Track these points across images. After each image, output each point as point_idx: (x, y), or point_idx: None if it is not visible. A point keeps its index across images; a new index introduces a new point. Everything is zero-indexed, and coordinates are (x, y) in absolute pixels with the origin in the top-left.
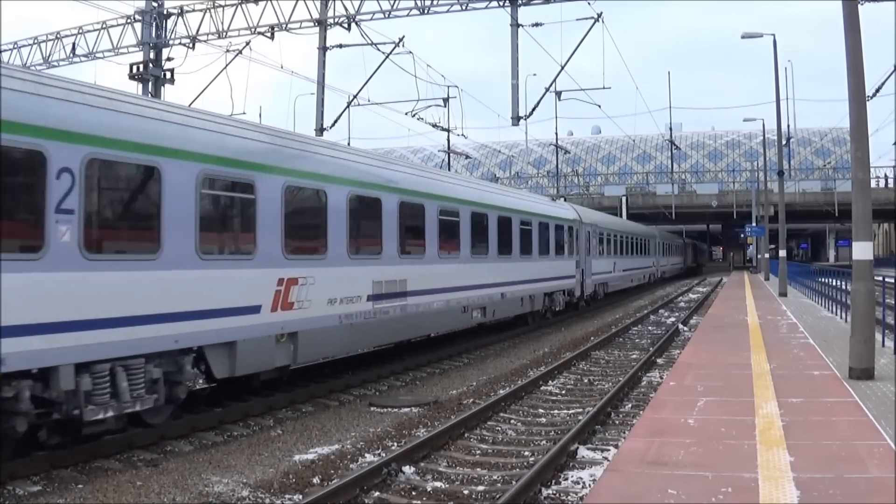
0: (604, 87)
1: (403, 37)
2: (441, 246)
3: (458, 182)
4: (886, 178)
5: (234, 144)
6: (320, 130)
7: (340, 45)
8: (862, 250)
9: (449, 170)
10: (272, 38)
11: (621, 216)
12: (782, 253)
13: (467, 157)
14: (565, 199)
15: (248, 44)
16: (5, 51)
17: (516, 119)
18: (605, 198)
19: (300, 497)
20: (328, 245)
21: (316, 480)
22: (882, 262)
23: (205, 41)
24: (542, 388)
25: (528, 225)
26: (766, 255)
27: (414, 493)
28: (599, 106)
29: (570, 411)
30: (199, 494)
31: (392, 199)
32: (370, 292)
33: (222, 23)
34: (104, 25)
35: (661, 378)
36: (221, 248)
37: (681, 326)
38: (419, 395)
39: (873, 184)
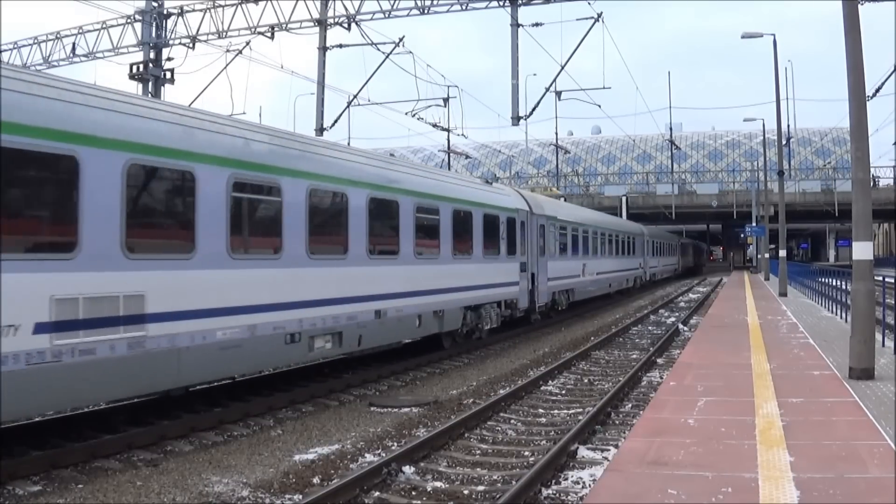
0: (604, 87)
1: (403, 37)
2: (235, 241)
3: (281, 141)
4: (877, 178)
5: None
6: (320, 130)
7: (340, 45)
8: (862, 250)
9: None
10: (272, 38)
11: (621, 216)
12: (782, 253)
13: (467, 157)
14: (565, 199)
15: (248, 44)
16: (5, 51)
17: (516, 119)
18: (606, 198)
19: (300, 497)
20: None
21: (316, 480)
22: (882, 262)
23: (205, 41)
24: (542, 387)
25: (432, 213)
26: (766, 255)
27: (414, 493)
28: (599, 106)
29: (570, 411)
30: (199, 494)
31: (109, 162)
32: (45, 318)
33: (222, 23)
34: (104, 25)
35: (662, 378)
36: None
37: (681, 326)
38: (419, 395)
39: (873, 184)
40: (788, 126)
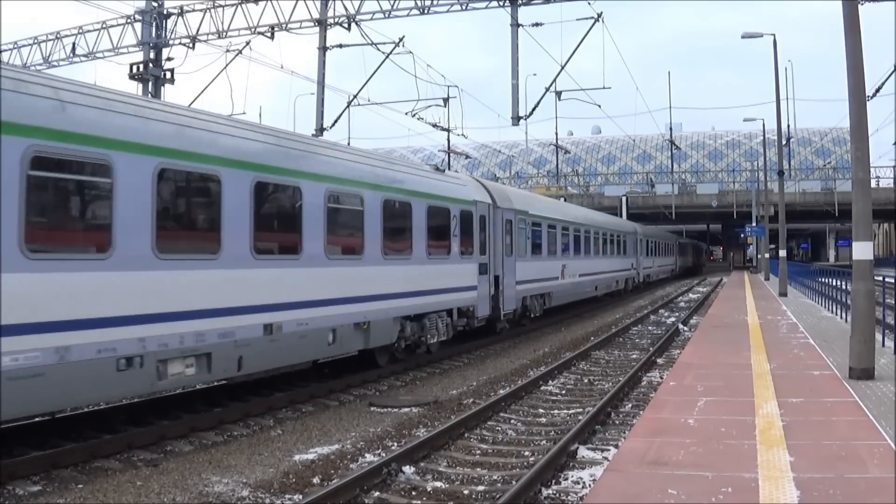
0: (604, 87)
1: (403, 37)
2: (34, 235)
3: (112, 105)
4: (878, 179)
5: None
6: (320, 130)
7: (340, 45)
8: (862, 250)
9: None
10: (272, 38)
11: (621, 216)
12: (782, 253)
13: (467, 156)
14: (565, 199)
15: (248, 44)
16: (5, 51)
17: (516, 119)
18: (606, 198)
19: (300, 497)
20: None
21: (316, 480)
22: (882, 262)
23: (205, 41)
24: (542, 387)
25: (351, 204)
26: (766, 255)
27: (414, 493)
28: (599, 106)
29: (570, 411)
30: (199, 494)
31: None
32: None
33: (222, 23)
34: (104, 25)
35: (661, 378)
36: None
37: (681, 326)
38: (419, 395)
39: (873, 184)
40: (788, 126)
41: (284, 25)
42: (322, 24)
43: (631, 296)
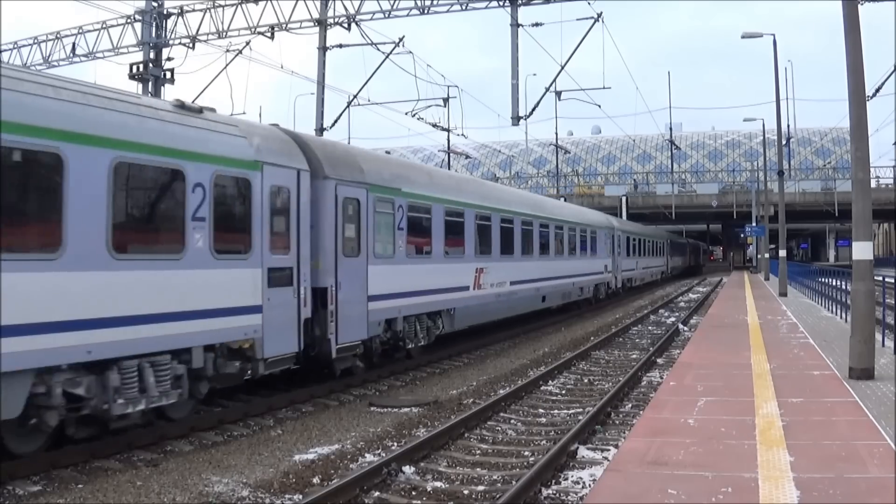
0: (604, 87)
1: (403, 37)
2: None
3: None
4: (878, 178)
5: None
6: (320, 130)
7: (340, 45)
8: (862, 250)
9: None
10: (272, 38)
11: (621, 216)
12: (782, 253)
13: (467, 156)
14: (565, 199)
15: (248, 44)
16: (5, 51)
17: (516, 119)
18: (606, 198)
19: (300, 497)
20: None
21: (316, 480)
22: (882, 262)
23: (205, 41)
24: (542, 387)
25: None
26: (766, 255)
27: (414, 493)
28: (599, 106)
29: (570, 411)
30: (199, 494)
31: None
32: None
33: (222, 23)
34: (104, 25)
35: (661, 378)
36: None
37: (681, 326)
38: (419, 395)
39: (873, 184)
40: (788, 126)
41: (284, 25)
42: (322, 24)
43: (630, 296)
